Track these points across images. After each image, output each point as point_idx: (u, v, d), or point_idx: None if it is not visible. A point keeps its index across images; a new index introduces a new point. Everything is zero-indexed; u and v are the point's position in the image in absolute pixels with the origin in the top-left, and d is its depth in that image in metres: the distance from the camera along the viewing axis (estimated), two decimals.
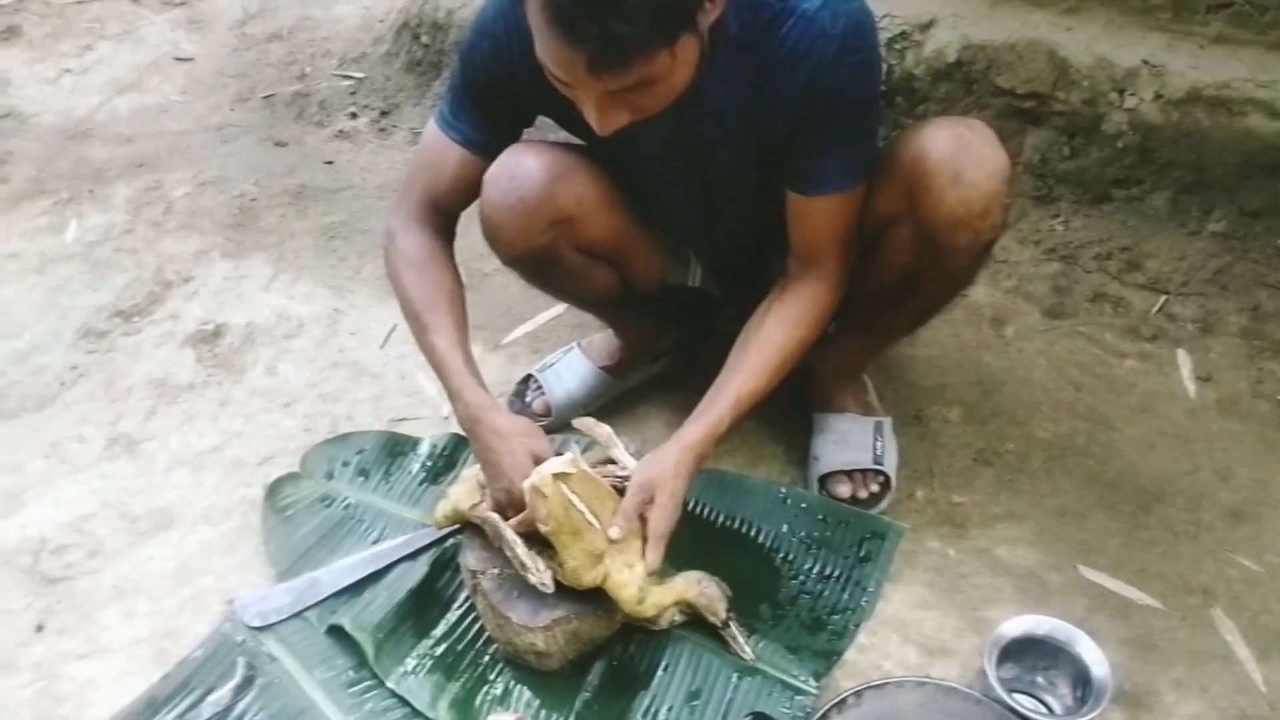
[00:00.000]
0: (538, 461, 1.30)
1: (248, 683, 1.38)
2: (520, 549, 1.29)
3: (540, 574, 1.28)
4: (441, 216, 1.43)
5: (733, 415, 1.33)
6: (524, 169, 1.36)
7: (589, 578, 1.28)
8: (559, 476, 1.25)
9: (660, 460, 1.31)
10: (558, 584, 1.28)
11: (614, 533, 1.27)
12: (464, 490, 1.43)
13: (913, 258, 1.35)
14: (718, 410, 1.33)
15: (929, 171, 1.26)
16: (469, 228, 1.45)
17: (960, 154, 1.25)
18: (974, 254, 1.34)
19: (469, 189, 1.41)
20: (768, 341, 1.35)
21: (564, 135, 1.45)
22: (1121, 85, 1.96)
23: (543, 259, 1.44)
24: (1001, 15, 2.09)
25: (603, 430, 1.40)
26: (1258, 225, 1.88)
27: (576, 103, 1.12)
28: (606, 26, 0.98)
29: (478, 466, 1.39)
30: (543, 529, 1.26)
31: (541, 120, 1.42)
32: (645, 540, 1.30)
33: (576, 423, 1.44)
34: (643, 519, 1.30)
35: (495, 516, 1.33)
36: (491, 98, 1.35)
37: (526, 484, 1.26)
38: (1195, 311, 1.84)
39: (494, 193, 1.37)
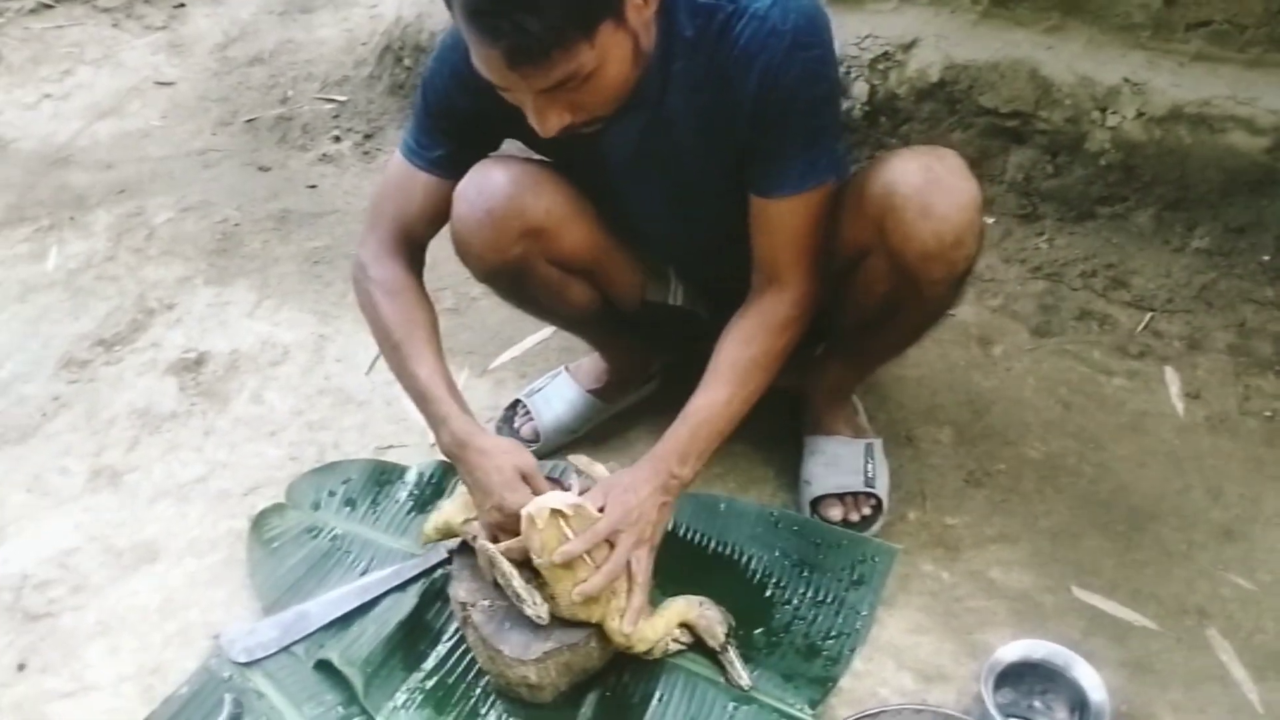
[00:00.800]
0: (526, 478, 1.30)
1: None
2: (516, 581, 1.28)
3: (537, 606, 1.27)
4: (411, 246, 1.43)
5: (698, 433, 1.32)
6: (491, 181, 1.36)
7: (584, 614, 1.26)
8: (555, 513, 1.23)
9: (628, 496, 1.29)
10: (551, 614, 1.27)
11: (557, 559, 1.24)
12: (457, 505, 1.42)
13: (890, 287, 1.35)
14: (677, 433, 1.32)
15: (898, 205, 1.26)
16: (454, 254, 1.44)
17: (929, 187, 1.25)
18: (950, 283, 1.34)
19: (438, 215, 1.41)
20: (727, 358, 1.34)
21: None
22: (1103, 103, 1.97)
23: (516, 272, 1.44)
24: (983, 35, 2.10)
25: (598, 469, 1.39)
26: (1241, 241, 1.90)
27: (520, 106, 1.14)
28: (518, 22, 1.01)
29: None
30: (536, 560, 1.25)
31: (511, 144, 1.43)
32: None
33: (572, 459, 1.43)
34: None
35: (490, 546, 1.31)
36: (456, 122, 1.36)
37: (523, 511, 1.24)
38: (1181, 328, 1.84)
39: (463, 206, 1.37)
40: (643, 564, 1.29)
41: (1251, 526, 1.51)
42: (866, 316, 1.43)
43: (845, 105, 2.18)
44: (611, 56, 1.10)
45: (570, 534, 1.24)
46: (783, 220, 1.31)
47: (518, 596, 1.27)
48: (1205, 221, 1.93)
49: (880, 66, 2.17)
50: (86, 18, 3.40)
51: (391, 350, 1.39)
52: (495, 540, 1.32)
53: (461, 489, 1.44)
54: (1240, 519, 1.52)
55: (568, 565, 1.24)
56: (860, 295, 1.40)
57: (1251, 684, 1.31)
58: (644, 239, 1.54)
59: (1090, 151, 2.00)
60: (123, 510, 1.72)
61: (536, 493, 1.29)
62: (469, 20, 1.05)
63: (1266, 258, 1.87)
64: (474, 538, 1.35)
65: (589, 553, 1.25)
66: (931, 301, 1.38)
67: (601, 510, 1.27)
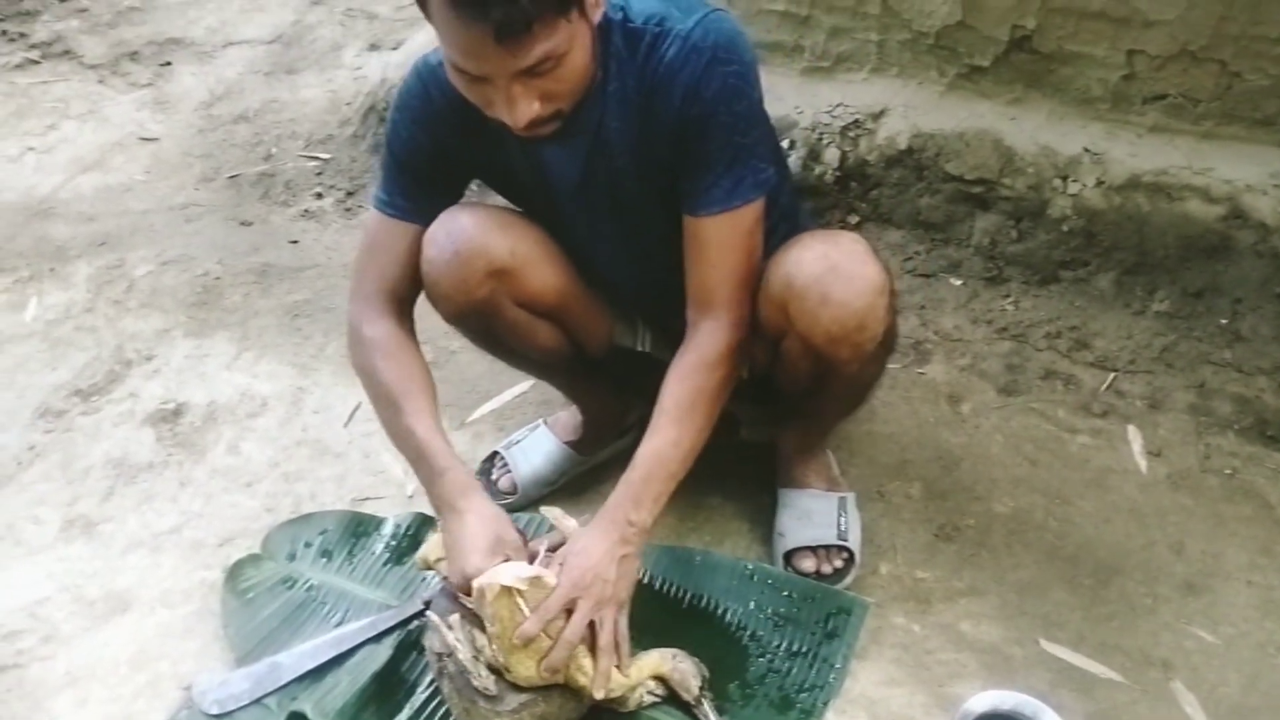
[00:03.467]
0: (499, 549, 1.30)
1: None
2: (461, 653, 1.28)
3: (483, 679, 1.27)
4: (398, 302, 1.45)
5: (651, 477, 1.33)
6: (458, 224, 1.40)
7: (549, 679, 1.27)
8: (508, 590, 1.24)
9: (580, 560, 1.29)
10: None
11: (516, 640, 1.24)
12: (434, 543, 1.43)
13: (808, 366, 1.41)
14: (629, 480, 1.33)
15: (799, 294, 1.31)
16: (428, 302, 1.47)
17: (826, 275, 1.29)
18: (861, 361, 1.39)
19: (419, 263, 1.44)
20: (670, 398, 1.36)
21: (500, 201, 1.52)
22: (1065, 172, 2.05)
23: (483, 313, 1.47)
24: (950, 105, 2.18)
25: (569, 524, 1.39)
26: (1200, 305, 1.96)
27: (489, 107, 1.20)
28: None
29: None
30: (489, 628, 1.26)
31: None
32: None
33: (544, 511, 1.43)
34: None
35: (435, 617, 1.31)
36: (423, 167, 1.41)
37: (474, 584, 1.25)
38: (1143, 388, 1.90)
39: (431, 249, 1.41)
40: (607, 625, 1.28)
41: (1213, 581, 1.54)
42: (801, 389, 1.49)
43: (817, 171, 2.25)
44: (578, 43, 1.17)
45: (525, 609, 1.24)
46: (712, 239, 1.34)
47: (463, 669, 1.27)
48: (1164, 285, 2.00)
49: (851, 134, 2.24)
50: (72, 74, 3.44)
51: (388, 405, 1.40)
52: (455, 598, 1.32)
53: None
54: (1202, 573, 1.56)
55: (525, 640, 1.25)
56: (788, 372, 1.46)
57: None
58: (606, 280, 1.58)
59: (1053, 218, 2.07)
60: (95, 560, 1.71)
61: None
62: (455, 2, 1.08)
63: (1224, 321, 1.93)
64: (426, 604, 1.36)
65: (548, 629, 1.25)
66: (852, 377, 1.44)
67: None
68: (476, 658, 1.28)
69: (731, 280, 1.36)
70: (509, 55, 1.12)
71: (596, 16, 1.22)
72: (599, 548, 1.29)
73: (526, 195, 1.48)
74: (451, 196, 1.46)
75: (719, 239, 1.34)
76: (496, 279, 1.43)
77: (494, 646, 1.26)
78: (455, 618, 1.30)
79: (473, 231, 1.40)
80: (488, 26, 1.09)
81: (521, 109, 1.18)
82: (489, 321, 1.50)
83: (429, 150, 1.39)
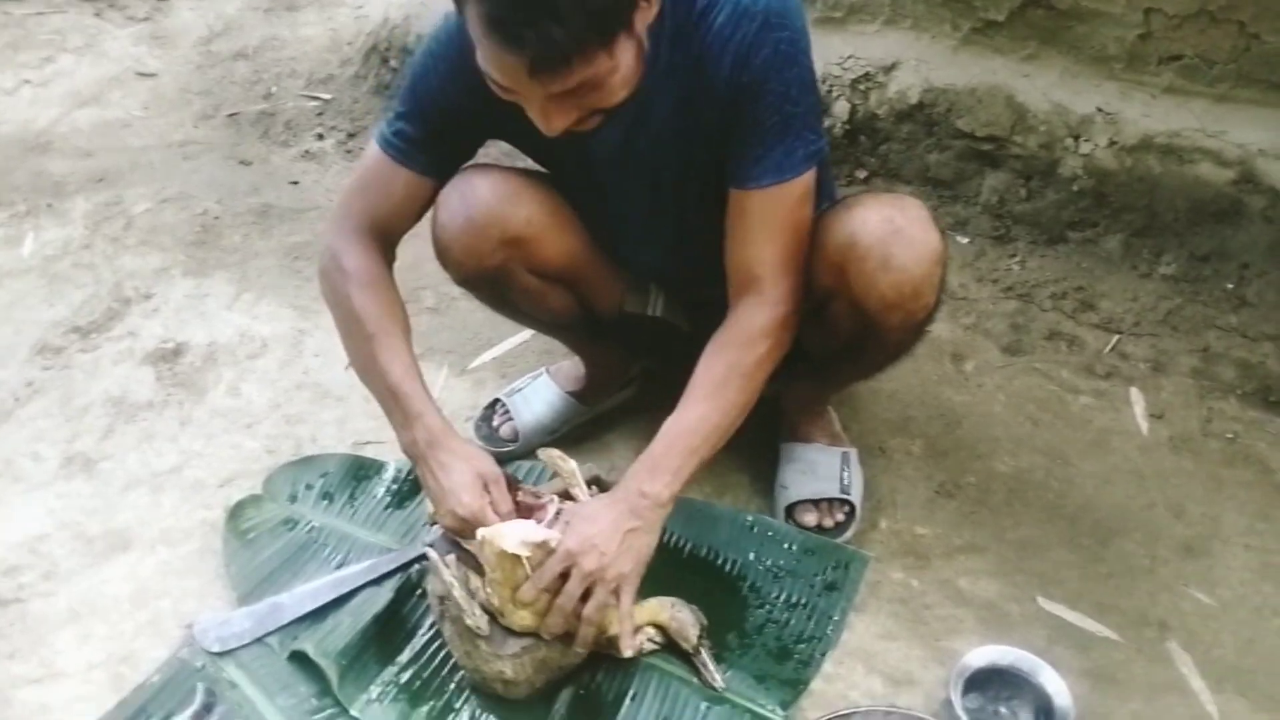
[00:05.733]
0: (486, 485, 1.30)
1: (207, 709, 1.35)
2: (458, 592, 1.28)
3: (476, 618, 1.27)
4: (385, 239, 1.42)
5: (670, 449, 1.29)
6: (473, 190, 1.38)
7: (531, 628, 1.28)
8: (508, 556, 1.24)
9: (585, 526, 1.26)
10: None
11: (526, 596, 1.25)
12: None
13: (851, 329, 1.38)
14: (650, 452, 1.31)
15: (860, 256, 1.28)
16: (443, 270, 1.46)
17: (890, 238, 1.27)
18: (908, 330, 1.37)
19: (416, 212, 1.41)
20: (701, 374, 1.32)
21: (520, 161, 1.47)
22: (1077, 131, 2.03)
23: (495, 279, 1.45)
24: (963, 60, 2.15)
25: (567, 466, 1.38)
26: (1207, 269, 1.95)
27: (523, 105, 1.14)
28: (543, 31, 1.01)
29: None
30: (489, 574, 1.26)
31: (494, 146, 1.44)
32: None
33: (541, 453, 1.42)
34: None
35: (434, 555, 1.32)
36: (443, 122, 1.35)
37: (480, 533, 1.25)
38: (1147, 351, 1.89)
39: (444, 214, 1.39)
40: (597, 596, 1.24)
41: (1212, 544, 1.55)
42: (831, 350, 1.46)
43: (826, 124, 2.22)
44: (622, 62, 1.10)
45: (528, 568, 1.24)
46: (759, 213, 1.29)
47: (458, 607, 1.28)
48: (1172, 249, 1.99)
49: (861, 87, 2.22)
50: (69, 5, 3.38)
51: (362, 341, 1.35)
52: (456, 541, 1.33)
53: None
54: (1201, 536, 1.57)
55: (516, 587, 1.26)
56: (824, 333, 1.42)
57: (1210, 695, 1.35)
58: (626, 246, 1.55)
59: (1063, 177, 2.05)
60: (95, 498, 1.71)
61: (495, 501, 1.29)
62: (491, 28, 1.04)
63: (1230, 285, 1.93)
64: (427, 547, 1.36)
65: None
66: (892, 345, 1.42)
67: None
68: (471, 597, 1.28)
69: (779, 256, 1.31)
70: (543, 86, 1.07)
71: (651, 14, 1.14)
72: (604, 517, 1.27)
73: (557, 160, 1.43)
74: (466, 155, 1.42)
75: (767, 213, 1.29)
76: (511, 247, 1.41)
77: (488, 590, 1.27)
78: (451, 557, 1.31)
79: (489, 198, 1.37)
80: (522, 58, 1.04)
81: (555, 122, 1.13)
82: (500, 287, 1.48)
83: (458, 107, 1.32)
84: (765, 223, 1.30)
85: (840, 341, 1.43)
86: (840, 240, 1.30)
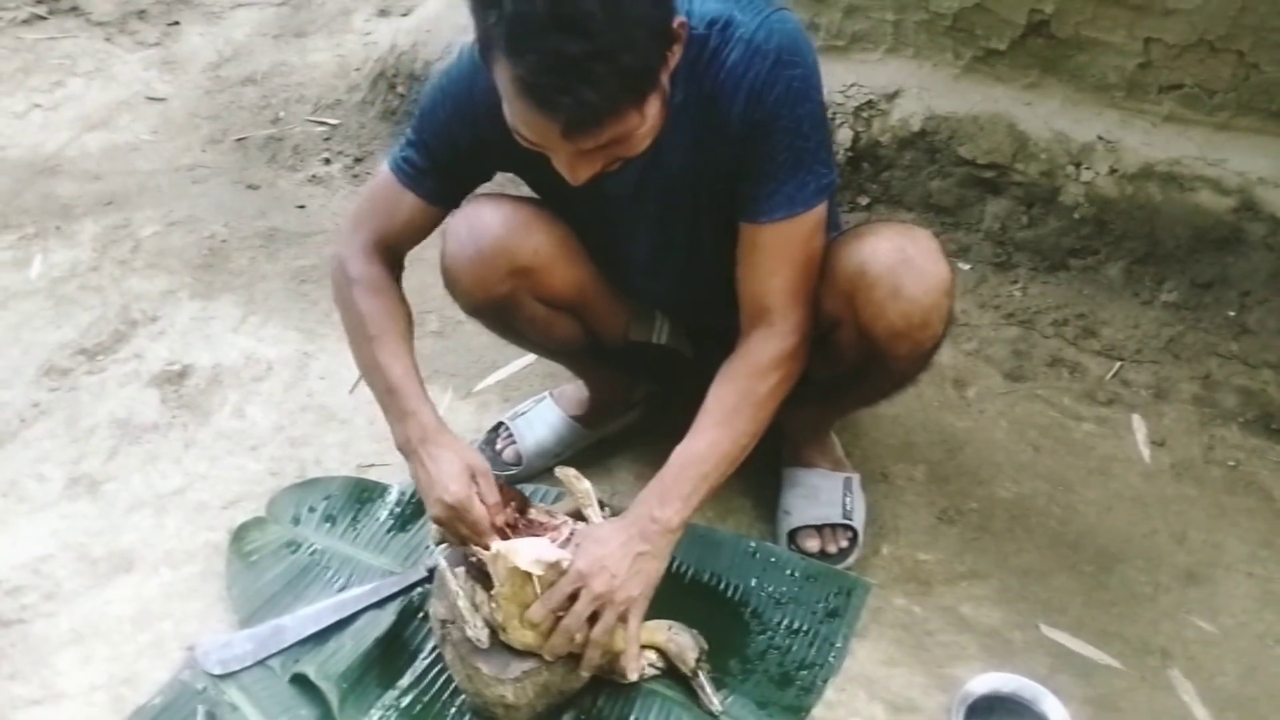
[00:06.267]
0: (475, 477, 1.31)
1: None
2: (462, 601, 1.29)
3: (477, 630, 1.28)
4: (392, 254, 1.45)
5: (681, 476, 1.30)
6: (481, 221, 1.39)
7: (533, 646, 1.28)
8: (519, 573, 1.24)
9: (595, 549, 1.27)
10: None
11: (535, 616, 1.25)
12: None
13: (858, 356, 1.39)
14: (660, 478, 1.31)
15: (870, 284, 1.29)
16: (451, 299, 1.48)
17: (901, 267, 1.28)
18: (915, 359, 1.38)
19: (420, 234, 1.44)
20: (712, 402, 1.33)
21: (526, 188, 1.49)
22: (1078, 159, 2.04)
23: (503, 309, 1.47)
24: (964, 88, 2.17)
25: (583, 486, 1.40)
26: (1208, 296, 1.96)
27: (549, 157, 1.15)
28: (578, 95, 1.02)
29: None
30: (497, 588, 1.26)
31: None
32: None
33: (558, 472, 1.44)
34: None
35: (444, 563, 1.32)
36: (451, 155, 1.37)
37: (494, 547, 1.26)
38: (1149, 378, 1.90)
39: (453, 244, 1.41)
40: (605, 619, 1.25)
41: (1214, 571, 1.55)
42: (836, 377, 1.47)
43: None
44: (650, 115, 1.11)
45: (538, 588, 1.25)
46: (771, 246, 1.31)
47: (460, 616, 1.28)
48: (1174, 276, 2.00)
49: (864, 114, 2.23)
50: (79, 30, 3.42)
51: (365, 342, 1.38)
52: (444, 538, 1.34)
53: None
54: (1203, 564, 1.56)
55: (523, 605, 1.26)
56: (830, 359, 1.43)
57: None
58: (634, 276, 1.55)
59: (1064, 204, 2.06)
60: (99, 519, 1.72)
61: (482, 492, 1.31)
62: (524, 92, 1.04)
63: (1232, 313, 1.93)
64: (429, 571, 1.37)
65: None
66: (898, 373, 1.43)
67: None
68: (475, 609, 1.29)
69: (790, 288, 1.32)
70: (575, 144, 1.09)
71: (674, 63, 1.15)
72: (614, 540, 1.27)
73: (565, 196, 1.44)
74: (473, 185, 1.44)
75: (778, 246, 1.30)
76: (518, 277, 1.42)
77: (493, 604, 1.28)
78: (460, 569, 1.31)
79: (497, 229, 1.39)
80: (555, 121, 1.04)
81: (582, 173, 1.15)
82: (507, 315, 1.50)
83: (463, 145, 1.34)
84: (777, 255, 1.31)
85: (846, 368, 1.44)
86: (850, 268, 1.32)
